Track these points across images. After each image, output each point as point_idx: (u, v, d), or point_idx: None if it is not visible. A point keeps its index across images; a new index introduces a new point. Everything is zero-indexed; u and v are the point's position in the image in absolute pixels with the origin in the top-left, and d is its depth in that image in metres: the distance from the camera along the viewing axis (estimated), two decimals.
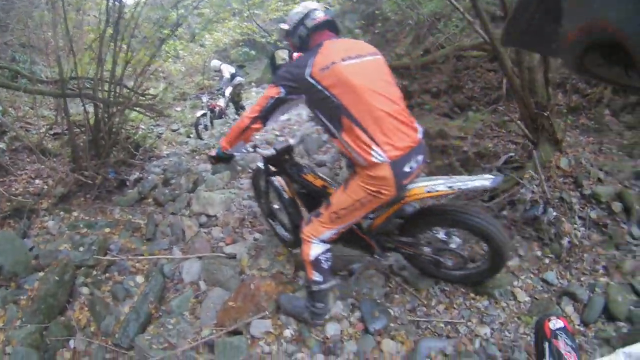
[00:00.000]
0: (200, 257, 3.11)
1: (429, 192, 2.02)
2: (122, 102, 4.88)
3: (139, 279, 3.01)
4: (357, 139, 1.78)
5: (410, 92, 5.25)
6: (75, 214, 4.11)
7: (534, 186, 2.89)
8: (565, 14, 0.39)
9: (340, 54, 1.82)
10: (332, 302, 2.47)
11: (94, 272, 3.09)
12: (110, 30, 4.53)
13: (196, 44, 9.49)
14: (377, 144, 1.76)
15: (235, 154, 2.27)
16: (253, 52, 11.42)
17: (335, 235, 2.12)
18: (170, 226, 3.67)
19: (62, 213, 4.03)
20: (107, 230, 3.70)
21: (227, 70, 7.53)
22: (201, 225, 3.69)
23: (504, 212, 2.97)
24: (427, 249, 2.35)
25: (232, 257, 3.10)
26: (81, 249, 3.26)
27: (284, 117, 7.08)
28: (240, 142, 2.11)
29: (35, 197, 4.18)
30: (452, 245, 2.30)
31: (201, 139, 6.82)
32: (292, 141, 2.54)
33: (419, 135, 1.93)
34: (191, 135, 7.24)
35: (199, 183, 4.48)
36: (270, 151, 2.43)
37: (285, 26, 2.14)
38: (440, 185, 2.02)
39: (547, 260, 2.64)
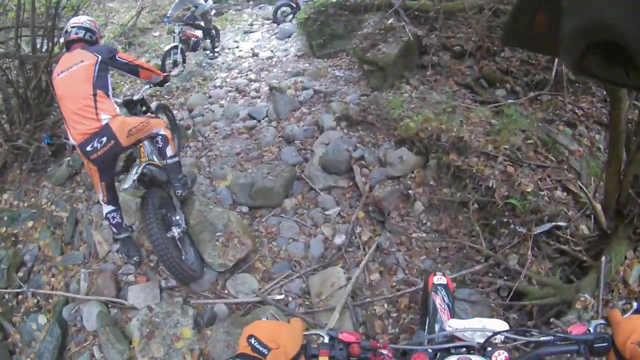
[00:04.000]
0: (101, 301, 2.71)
1: None
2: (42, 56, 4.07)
3: (42, 319, 2.83)
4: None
5: (425, 47, 3.98)
6: (5, 196, 3.80)
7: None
8: (565, 14, 0.38)
9: (59, 68, 2.52)
10: None
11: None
12: None
13: None
14: (70, 134, 2.48)
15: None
16: None
17: None
18: (90, 224, 3.23)
19: None
20: (30, 224, 3.47)
21: None
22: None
23: None
24: None
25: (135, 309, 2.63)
26: None
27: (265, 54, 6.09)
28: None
29: None
30: None
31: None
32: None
33: (103, 122, 2.37)
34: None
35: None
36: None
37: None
38: None
39: None
